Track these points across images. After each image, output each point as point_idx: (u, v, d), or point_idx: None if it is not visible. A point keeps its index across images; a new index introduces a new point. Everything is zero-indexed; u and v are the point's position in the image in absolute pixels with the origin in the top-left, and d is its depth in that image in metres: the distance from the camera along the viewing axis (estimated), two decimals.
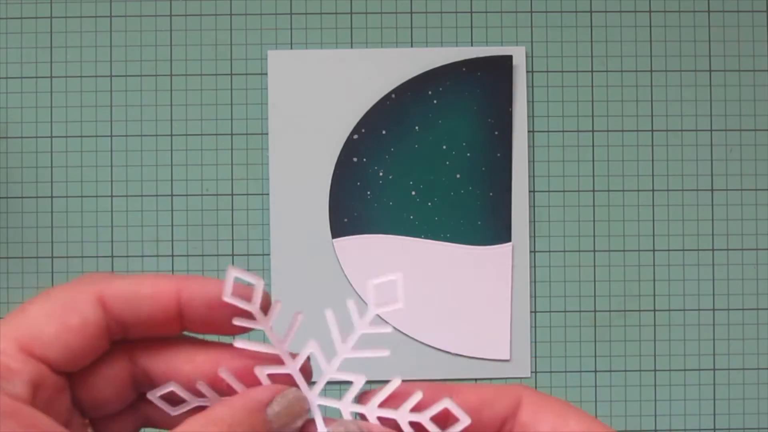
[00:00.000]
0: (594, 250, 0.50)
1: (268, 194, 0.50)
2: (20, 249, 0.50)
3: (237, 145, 0.50)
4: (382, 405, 0.20)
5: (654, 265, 0.50)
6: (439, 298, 0.49)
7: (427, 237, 0.50)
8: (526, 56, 0.50)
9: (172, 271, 0.50)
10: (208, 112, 0.50)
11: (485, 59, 0.50)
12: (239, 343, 0.20)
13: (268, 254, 0.50)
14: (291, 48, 0.50)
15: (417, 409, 0.20)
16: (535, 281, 0.50)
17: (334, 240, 0.49)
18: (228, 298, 0.19)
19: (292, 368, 0.20)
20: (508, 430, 0.20)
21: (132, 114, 0.50)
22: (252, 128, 0.50)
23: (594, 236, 0.50)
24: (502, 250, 0.50)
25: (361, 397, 0.20)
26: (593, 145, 0.50)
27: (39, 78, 0.50)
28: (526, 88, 0.50)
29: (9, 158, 0.50)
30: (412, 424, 0.20)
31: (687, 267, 0.50)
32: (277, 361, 0.20)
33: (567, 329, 0.50)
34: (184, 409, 0.20)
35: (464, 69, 0.50)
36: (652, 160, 0.51)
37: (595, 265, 0.50)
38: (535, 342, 0.50)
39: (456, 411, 0.19)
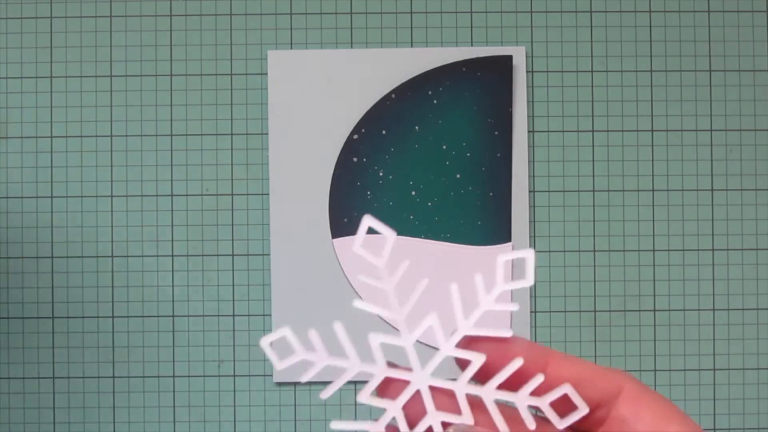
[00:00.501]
0: (594, 250, 0.50)
1: (268, 194, 0.50)
2: (20, 249, 0.50)
3: (237, 145, 0.50)
4: (500, 387, 0.19)
5: (654, 265, 0.50)
6: (438, 298, 0.49)
7: (427, 237, 0.49)
8: (526, 56, 0.50)
9: (172, 271, 0.50)
10: (208, 112, 0.50)
11: (485, 59, 0.50)
12: (359, 303, 0.19)
13: (268, 254, 0.50)
14: (291, 48, 0.50)
15: (535, 392, 0.18)
16: (535, 281, 0.50)
17: (334, 240, 0.49)
18: (358, 249, 0.18)
19: (407, 341, 0.19)
20: (600, 416, 0.19)
21: (132, 114, 0.50)
22: (252, 128, 0.50)
23: (594, 236, 0.50)
24: (502, 250, 0.50)
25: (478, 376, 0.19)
26: (593, 145, 0.50)
27: (39, 78, 0.50)
28: (526, 88, 0.50)
29: (9, 158, 0.50)
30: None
31: (687, 267, 0.50)
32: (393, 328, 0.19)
33: (567, 329, 0.50)
34: (292, 362, 0.18)
35: (464, 69, 0.50)
36: (652, 160, 0.51)
37: (595, 265, 0.50)
38: (535, 342, 0.50)
39: (576, 399, 0.18)
